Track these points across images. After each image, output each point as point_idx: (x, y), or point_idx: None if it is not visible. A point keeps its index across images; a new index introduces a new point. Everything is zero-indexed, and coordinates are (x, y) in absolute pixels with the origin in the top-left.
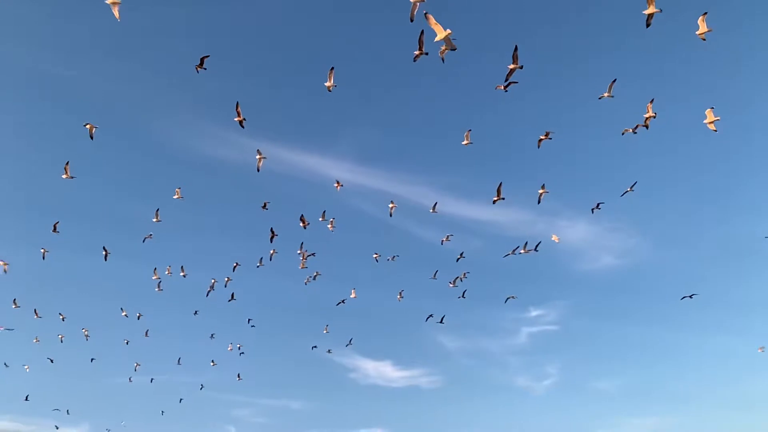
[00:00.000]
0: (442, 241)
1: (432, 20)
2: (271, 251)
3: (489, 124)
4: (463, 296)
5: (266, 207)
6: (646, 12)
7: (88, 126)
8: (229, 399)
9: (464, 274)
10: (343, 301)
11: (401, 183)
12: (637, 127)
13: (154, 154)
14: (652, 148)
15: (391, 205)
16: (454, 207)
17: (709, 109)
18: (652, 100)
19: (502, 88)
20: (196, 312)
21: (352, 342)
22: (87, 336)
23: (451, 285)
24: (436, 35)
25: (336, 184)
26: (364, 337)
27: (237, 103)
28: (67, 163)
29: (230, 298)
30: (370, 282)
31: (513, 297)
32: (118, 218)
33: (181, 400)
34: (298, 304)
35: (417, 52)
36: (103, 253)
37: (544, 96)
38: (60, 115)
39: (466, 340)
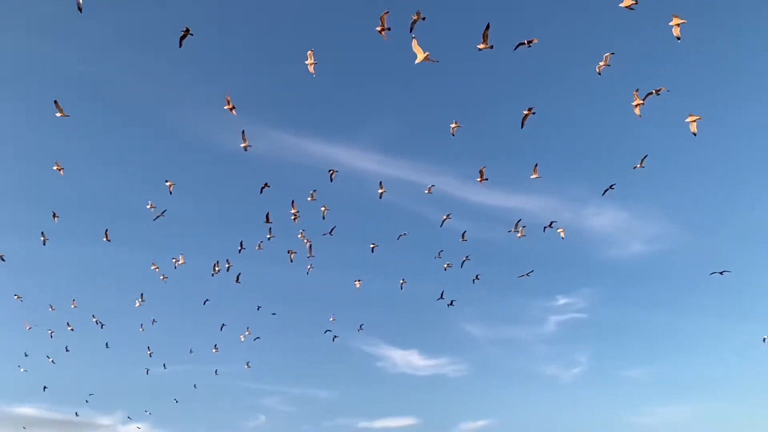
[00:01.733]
0: (442, 221)
1: (414, 44)
2: (268, 235)
3: (514, 112)
4: (477, 279)
5: (266, 186)
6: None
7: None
8: (258, 388)
9: (466, 257)
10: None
11: (425, 173)
12: (648, 95)
13: (178, 147)
14: (680, 132)
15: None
16: (478, 195)
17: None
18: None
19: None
20: (206, 301)
21: (362, 327)
22: (101, 324)
23: (446, 267)
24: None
25: (330, 172)
26: (390, 326)
27: (227, 93)
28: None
29: (236, 279)
30: (395, 271)
31: (528, 274)
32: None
33: (195, 385)
34: (327, 293)
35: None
36: (105, 239)
37: (569, 87)
38: (84, 110)
39: (493, 328)
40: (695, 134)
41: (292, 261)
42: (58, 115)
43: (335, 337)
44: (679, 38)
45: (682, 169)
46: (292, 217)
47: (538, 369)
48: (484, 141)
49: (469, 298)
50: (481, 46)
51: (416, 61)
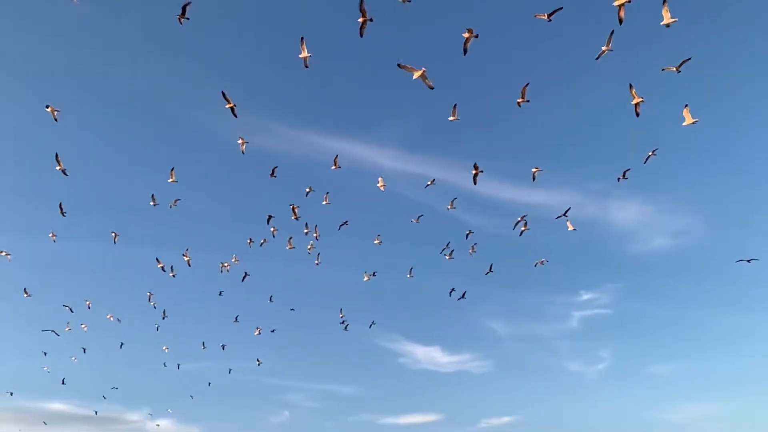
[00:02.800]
0: (448, 207)
1: (407, 67)
2: (272, 230)
3: (535, 107)
4: (490, 270)
5: (274, 174)
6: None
7: (49, 109)
8: (282, 384)
9: (473, 246)
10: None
11: (444, 168)
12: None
13: (199, 146)
14: (704, 124)
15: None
16: (499, 190)
17: (685, 109)
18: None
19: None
20: (221, 293)
21: (374, 324)
22: (118, 320)
23: (448, 257)
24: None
25: (334, 165)
26: (412, 322)
27: (223, 92)
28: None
29: (242, 278)
30: (416, 268)
31: (543, 262)
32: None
33: (209, 383)
34: (348, 290)
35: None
36: (113, 236)
37: (591, 81)
38: (108, 110)
39: (516, 325)
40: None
41: (292, 248)
42: (58, 168)
43: (347, 326)
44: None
45: (706, 162)
46: (293, 217)
47: (562, 365)
48: (504, 136)
49: (491, 295)
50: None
51: (413, 78)
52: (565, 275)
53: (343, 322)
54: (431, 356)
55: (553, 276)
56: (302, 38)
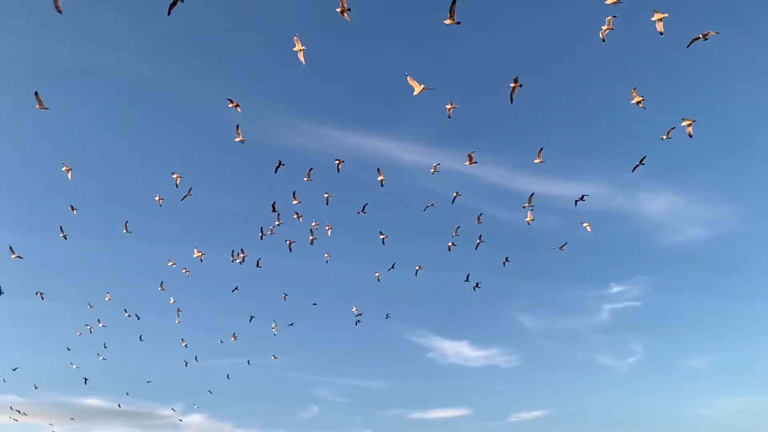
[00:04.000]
0: (454, 198)
1: (410, 79)
2: (276, 223)
3: (564, 99)
4: (507, 261)
5: (281, 165)
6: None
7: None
8: (310, 379)
9: (480, 237)
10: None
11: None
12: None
13: (230, 146)
14: (737, 109)
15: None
16: (527, 183)
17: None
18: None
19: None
20: (235, 289)
21: (389, 316)
22: (137, 316)
23: (450, 244)
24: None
25: (337, 162)
26: (439, 317)
27: (229, 99)
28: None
29: (256, 264)
30: (443, 263)
31: (562, 247)
32: (203, 211)
33: (228, 376)
34: (386, 286)
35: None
36: (125, 230)
37: (617, 74)
38: (140, 112)
39: (545, 318)
40: (691, 135)
41: (291, 251)
42: (37, 107)
43: (358, 321)
44: (662, 33)
45: (741, 151)
46: (296, 216)
47: (593, 359)
48: (532, 128)
49: (519, 289)
50: (448, 21)
51: (414, 93)
52: (595, 268)
53: (359, 315)
54: (459, 351)
55: (582, 269)
56: (296, 36)
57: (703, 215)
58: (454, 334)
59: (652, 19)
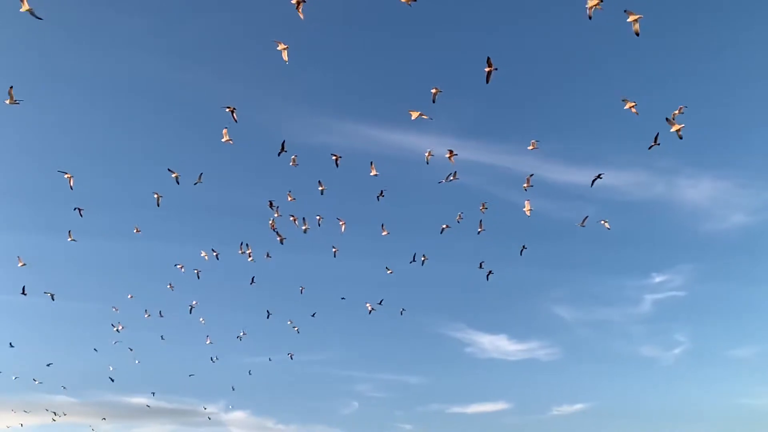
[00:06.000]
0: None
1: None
2: (275, 215)
3: (594, 86)
4: (524, 249)
5: (283, 149)
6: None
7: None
8: (349, 375)
9: (481, 224)
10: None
11: (504, 153)
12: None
13: (260, 145)
14: None
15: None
16: (560, 174)
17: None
18: None
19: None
20: (252, 279)
21: (404, 311)
22: (160, 314)
23: (444, 227)
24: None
25: (334, 157)
26: (476, 311)
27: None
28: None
29: (266, 255)
30: (474, 256)
31: (582, 222)
32: (234, 210)
33: (250, 372)
34: (421, 281)
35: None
36: (135, 231)
37: (648, 60)
38: (167, 114)
39: (584, 310)
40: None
41: (282, 243)
42: (8, 102)
43: (372, 310)
44: (638, 34)
45: None
46: (292, 219)
47: (635, 351)
48: (563, 117)
49: (556, 281)
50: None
51: (412, 118)
52: (635, 258)
53: (378, 304)
54: (498, 345)
55: (622, 259)
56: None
57: (747, 201)
58: (492, 328)
59: (628, 20)
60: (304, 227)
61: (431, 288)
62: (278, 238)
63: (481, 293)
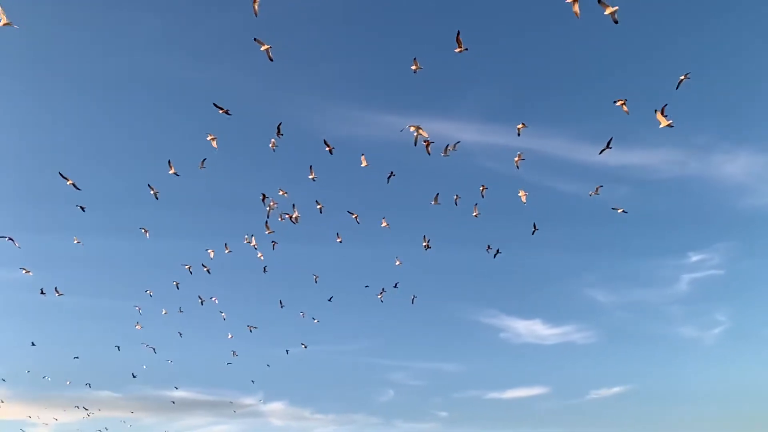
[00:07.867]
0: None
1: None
2: (272, 203)
3: (624, 67)
4: (535, 229)
5: (280, 132)
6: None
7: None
8: (384, 364)
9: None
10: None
11: (532, 137)
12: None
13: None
14: None
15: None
16: (591, 156)
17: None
18: None
19: None
20: (264, 268)
21: (414, 300)
22: (180, 310)
23: (434, 203)
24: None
25: (327, 148)
26: (509, 297)
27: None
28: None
29: (273, 245)
30: (511, 242)
31: (599, 190)
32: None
33: (286, 353)
34: (453, 267)
35: None
36: (143, 231)
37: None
38: (187, 114)
39: (620, 292)
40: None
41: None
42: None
43: (383, 292)
44: (616, 22)
45: None
46: (288, 216)
47: (674, 331)
48: (595, 97)
49: (590, 264)
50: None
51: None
52: (670, 237)
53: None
54: (532, 330)
55: (657, 239)
56: (255, 38)
57: None
58: (526, 313)
59: (605, 13)
60: (294, 215)
61: (463, 275)
62: (288, 216)
63: (514, 279)
